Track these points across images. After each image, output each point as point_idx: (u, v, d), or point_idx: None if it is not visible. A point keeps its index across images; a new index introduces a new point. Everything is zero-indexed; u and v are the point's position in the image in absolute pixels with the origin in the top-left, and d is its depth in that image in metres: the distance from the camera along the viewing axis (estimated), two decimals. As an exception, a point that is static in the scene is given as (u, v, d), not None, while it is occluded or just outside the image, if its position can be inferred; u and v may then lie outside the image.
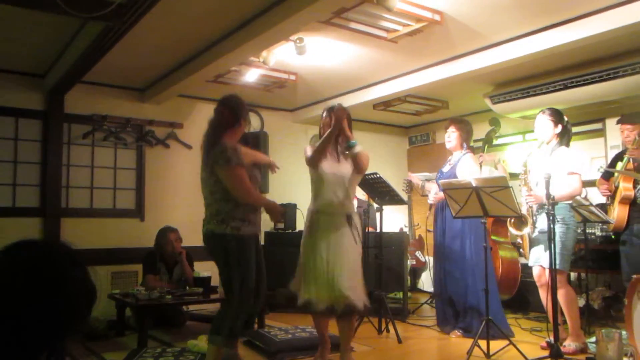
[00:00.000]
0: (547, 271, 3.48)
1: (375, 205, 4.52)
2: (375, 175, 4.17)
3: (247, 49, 3.97)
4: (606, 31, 3.53)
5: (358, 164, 3.20)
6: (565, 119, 3.78)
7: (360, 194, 5.20)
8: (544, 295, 3.64)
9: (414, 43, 4.13)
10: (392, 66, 4.80)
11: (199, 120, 5.59)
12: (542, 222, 3.58)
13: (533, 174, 3.73)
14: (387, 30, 3.93)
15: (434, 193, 4.32)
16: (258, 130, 5.95)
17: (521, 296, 5.08)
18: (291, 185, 6.04)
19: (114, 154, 5.44)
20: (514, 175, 4.93)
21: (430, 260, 5.81)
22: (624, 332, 3.11)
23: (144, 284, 4.57)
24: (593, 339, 3.44)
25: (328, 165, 3.25)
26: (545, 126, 3.73)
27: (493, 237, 5.04)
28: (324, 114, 3.32)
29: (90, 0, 3.16)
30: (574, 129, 4.05)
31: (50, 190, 4.99)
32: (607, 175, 3.99)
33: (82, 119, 5.24)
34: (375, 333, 4.22)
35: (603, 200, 4.27)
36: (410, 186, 5.85)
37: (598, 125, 5.34)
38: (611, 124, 5.18)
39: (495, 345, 3.45)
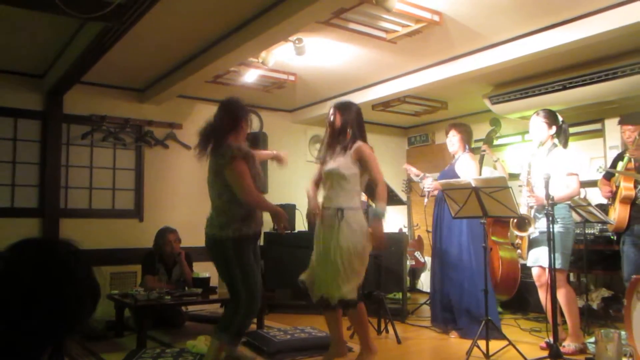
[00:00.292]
0: (547, 271, 3.48)
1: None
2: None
3: (246, 50, 3.97)
4: (605, 31, 3.53)
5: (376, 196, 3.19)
6: (561, 119, 3.79)
7: (360, 194, 5.19)
8: (543, 296, 3.64)
9: (413, 44, 4.14)
10: (391, 67, 4.80)
11: (198, 120, 5.53)
12: (542, 223, 3.58)
13: (533, 175, 3.73)
14: (386, 30, 3.93)
15: (430, 182, 4.31)
16: (257, 130, 5.95)
17: (520, 297, 5.09)
18: (290, 185, 6.05)
19: (113, 155, 5.44)
20: (513, 176, 4.94)
21: (429, 260, 5.80)
22: (623, 333, 3.10)
23: (143, 284, 4.56)
24: (592, 339, 3.45)
25: (327, 163, 3.27)
26: (539, 127, 3.74)
27: (493, 238, 5.04)
28: (330, 111, 3.31)
29: (89, 0, 3.16)
30: (573, 129, 4.06)
31: (49, 191, 4.98)
32: (609, 176, 4.00)
33: (81, 120, 5.24)
34: (375, 333, 4.22)
35: (603, 200, 4.27)
36: (409, 186, 5.86)
37: (597, 126, 5.35)
38: (610, 124, 5.19)
39: (495, 345, 3.44)
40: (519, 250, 3.83)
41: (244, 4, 3.47)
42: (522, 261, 4.94)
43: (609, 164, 4.89)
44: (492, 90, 5.37)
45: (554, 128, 3.71)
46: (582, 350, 3.54)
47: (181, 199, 5.61)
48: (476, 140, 5.90)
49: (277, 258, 5.36)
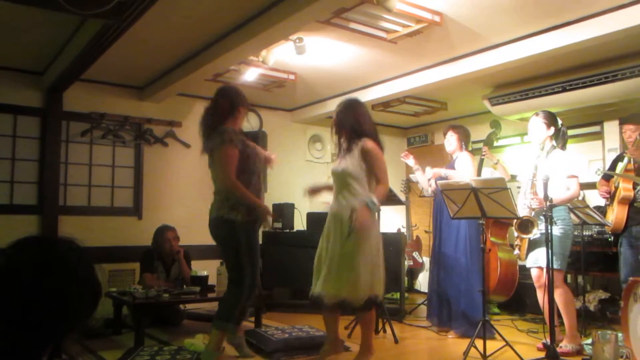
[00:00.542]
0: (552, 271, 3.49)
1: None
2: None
3: (246, 48, 3.97)
4: (605, 34, 3.54)
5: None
6: (560, 122, 3.80)
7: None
8: (542, 297, 3.65)
9: (413, 44, 4.14)
10: (392, 67, 4.80)
11: (197, 119, 5.54)
12: (542, 224, 3.58)
13: (539, 177, 3.73)
14: (386, 30, 3.93)
15: (430, 174, 4.33)
16: (257, 129, 5.95)
17: (518, 298, 5.09)
18: (289, 185, 6.05)
19: (112, 152, 5.44)
20: (513, 177, 4.95)
21: (427, 261, 5.81)
22: (619, 334, 3.11)
23: (141, 282, 4.56)
24: (589, 341, 3.46)
25: (336, 163, 3.27)
26: (537, 128, 3.75)
27: (492, 239, 5.05)
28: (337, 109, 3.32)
29: (90, -3, 3.16)
30: (572, 132, 4.07)
31: (48, 188, 4.98)
32: (608, 177, 4.01)
33: (80, 117, 5.23)
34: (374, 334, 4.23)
35: (601, 202, 4.28)
36: (408, 186, 5.87)
37: (596, 128, 5.35)
38: (609, 126, 5.20)
39: (492, 346, 3.45)
40: (516, 252, 3.83)
41: (245, 3, 3.47)
42: (520, 262, 4.95)
43: (607, 166, 4.90)
44: (492, 92, 5.38)
45: (552, 129, 3.72)
46: (579, 351, 3.55)
47: (180, 197, 5.61)
48: (476, 142, 5.92)
49: (275, 257, 5.37)
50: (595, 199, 4.84)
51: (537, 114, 3.81)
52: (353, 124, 3.20)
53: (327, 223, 3.24)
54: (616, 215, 3.69)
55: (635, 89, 4.38)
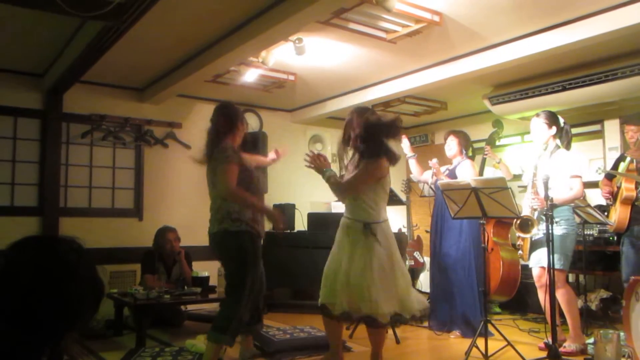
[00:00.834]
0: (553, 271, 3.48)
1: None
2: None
3: (246, 49, 3.97)
4: (605, 33, 3.53)
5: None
6: (562, 121, 3.79)
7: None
8: (543, 296, 3.65)
9: (413, 44, 4.14)
10: (391, 67, 4.80)
11: (197, 120, 5.59)
12: (544, 224, 3.58)
13: (538, 177, 3.73)
14: (386, 30, 3.93)
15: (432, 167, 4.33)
16: (257, 130, 5.95)
17: (519, 297, 5.09)
18: (289, 185, 6.05)
19: (113, 154, 5.44)
20: (515, 177, 4.95)
21: (428, 261, 5.80)
22: (621, 334, 3.11)
23: (142, 283, 4.57)
24: (591, 340, 3.45)
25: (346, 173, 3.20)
26: (539, 128, 3.76)
27: (494, 239, 5.05)
28: (350, 117, 3.18)
29: (90, -1, 3.16)
30: (573, 131, 4.05)
31: (49, 190, 4.98)
32: (610, 177, 4.00)
33: (80, 119, 5.24)
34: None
35: (602, 201, 4.27)
36: (409, 186, 5.87)
37: (596, 127, 5.35)
38: (610, 125, 5.19)
39: (493, 346, 3.45)
40: (520, 252, 3.83)
41: (245, 4, 3.47)
42: (522, 262, 4.95)
43: (608, 165, 4.90)
44: (492, 91, 5.37)
45: (554, 129, 3.72)
46: (583, 350, 3.55)
47: (181, 198, 5.61)
48: (477, 141, 5.91)
49: (276, 258, 5.37)
50: (595, 198, 4.83)
51: (537, 115, 3.81)
52: (360, 136, 3.09)
53: (338, 231, 3.15)
54: (619, 215, 3.68)
55: (636, 87, 4.37)
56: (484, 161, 4.98)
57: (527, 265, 3.93)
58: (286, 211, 5.57)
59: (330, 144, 6.58)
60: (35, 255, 0.97)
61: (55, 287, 0.95)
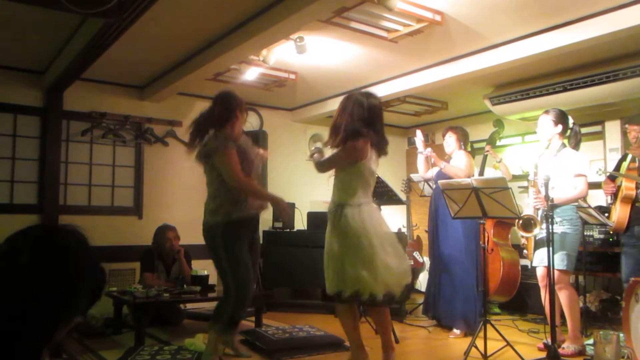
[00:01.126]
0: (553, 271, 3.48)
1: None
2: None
3: (247, 48, 3.96)
4: (606, 34, 3.53)
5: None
6: (572, 121, 3.78)
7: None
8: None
9: (414, 43, 4.13)
10: (392, 66, 4.79)
11: (198, 118, 5.58)
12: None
13: (540, 176, 3.73)
14: (387, 30, 3.92)
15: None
16: (257, 129, 5.95)
17: (519, 298, 5.09)
18: (289, 184, 6.04)
19: (113, 152, 5.43)
20: (515, 177, 4.95)
21: (427, 260, 5.80)
22: (621, 335, 3.11)
23: (141, 281, 4.56)
24: (591, 341, 3.45)
25: None
26: (545, 125, 3.76)
27: (494, 239, 5.05)
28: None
29: (91, -3, 3.16)
30: (573, 131, 4.05)
31: (49, 187, 4.98)
32: (613, 177, 4.00)
33: (80, 116, 5.23)
34: (373, 333, 4.21)
35: (602, 202, 4.27)
36: (409, 186, 5.86)
37: (597, 128, 5.34)
38: (610, 126, 5.19)
39: (492, 346, 3.44)
40: (525, 251, 3.83)
41: (246, 2, 3.46)
42: (522, 262, 4.95)
43: (608, 166, 4.89)
44: (493, 91, 5.37)
45: (560, 127, 3.71)
46: (581, 352, 3.54)
47: (180, 196, 5.60)
48: (478, 141, 5.91)
49: (276, 257, 5.37)
50: (596, 199, 4.83)
51: (546, 112, 3.81)
52: (350, 122, 3.08)
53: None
54: (618, 214, 3.68)
55: (637, 88, 4.37)
56: (484, 160, 4.97)
57: (527, 266, 3.92)
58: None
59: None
60: (36, 239, 0.98)
61: (55, 270, 0.95)
